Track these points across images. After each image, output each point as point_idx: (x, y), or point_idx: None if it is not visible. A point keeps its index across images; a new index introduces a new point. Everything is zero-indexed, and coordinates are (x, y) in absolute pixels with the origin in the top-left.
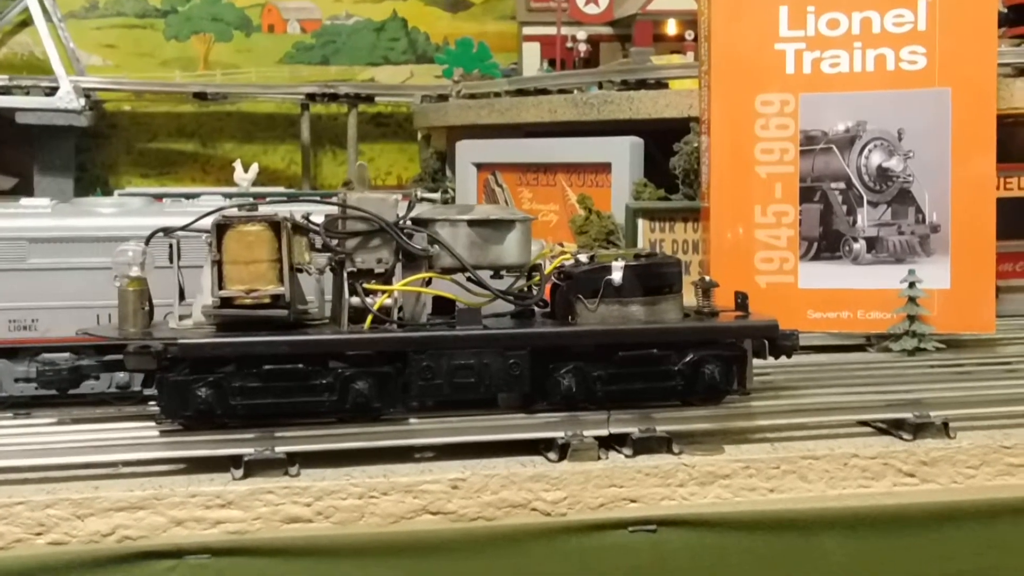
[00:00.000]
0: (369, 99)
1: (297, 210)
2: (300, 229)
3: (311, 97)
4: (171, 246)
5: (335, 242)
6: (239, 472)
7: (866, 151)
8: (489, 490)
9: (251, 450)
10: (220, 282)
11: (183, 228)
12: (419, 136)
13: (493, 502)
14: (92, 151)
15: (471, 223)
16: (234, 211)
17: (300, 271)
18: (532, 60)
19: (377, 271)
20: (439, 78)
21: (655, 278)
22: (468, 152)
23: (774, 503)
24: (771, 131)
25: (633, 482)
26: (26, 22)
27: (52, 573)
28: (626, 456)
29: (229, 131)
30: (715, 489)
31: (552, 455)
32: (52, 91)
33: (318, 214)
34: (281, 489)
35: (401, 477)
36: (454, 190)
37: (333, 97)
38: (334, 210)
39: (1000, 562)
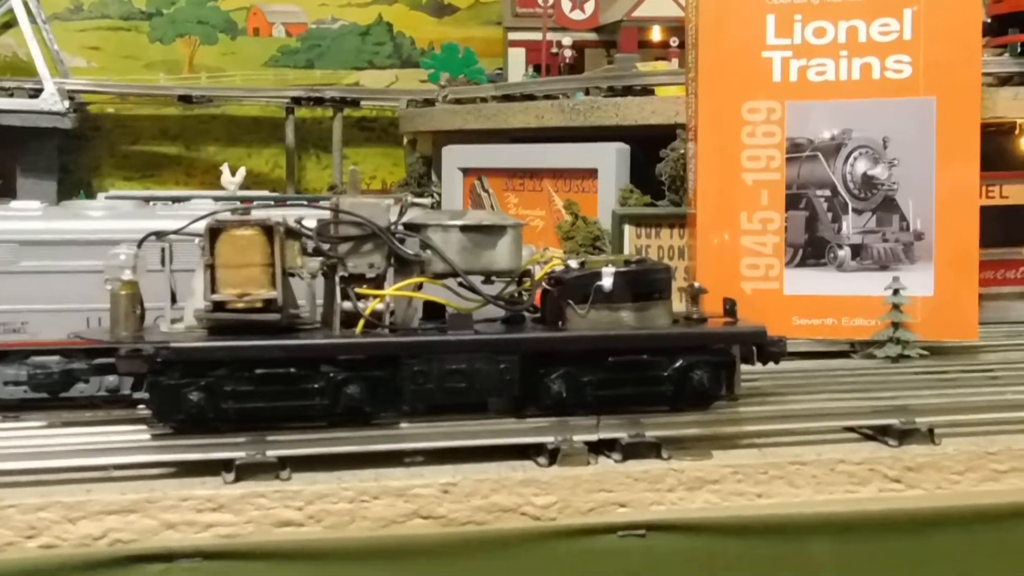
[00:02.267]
0: (354, 103)
1: (289, 214)
2: (293, 233)
3: (296, 101)
4: (163, 250)
5: (327, 246)
6: (231, 476)
7: (851, 159)
8: (480, 494)
9: (243, 454)
10: (213, 286)
11: (176, 232)
12: (405, 141)
13: (484, 506)
14: (75, 153)
15: (463, 228)
16: (227, 215)
17: (292, 275)
18: (517, 66)
19: (369, 276)
20: (424, 83)
21: (645, 284)
22: (454, 157)
23: (762, 508)
24: (758, 138)
25: (622, 487)
26: (10, 23)
27: None
28: (615, 461)
29: (213, 134)
30: (704, 494)
31: (542, 460)
32: (36, 93)
33: (310, 218)
34: (273, 493)
35: (392, 481)
36: (440, 195)
37: (318, 101)
38: (326, 214)
39: (985, 567)
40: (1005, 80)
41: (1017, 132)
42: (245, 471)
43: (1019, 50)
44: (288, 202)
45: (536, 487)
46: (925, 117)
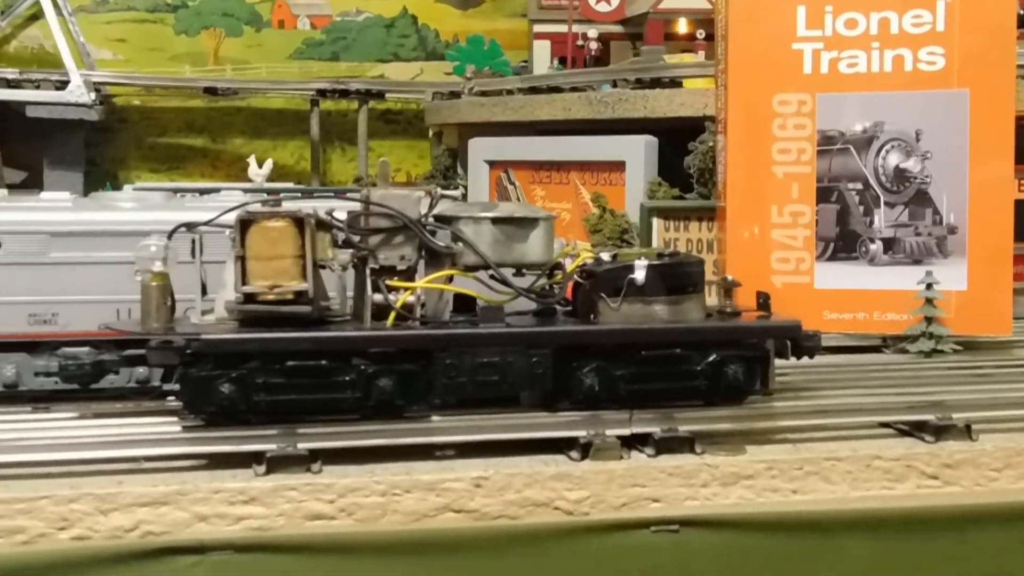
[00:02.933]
0: (380, 95)
1: (320, 206)
2: (323, 225)
3: (321, 93)
4: (193, 241)
5: (358, 238)
6: (262, 468)
7: (883, 152)
8: (512, 489)
9: (274, 446)
10: (243, 278)
11: (207, 223)
12: (430, 133)
13: (516, 501)
14: (102, 145)
15: (495, 221)
16: (257, 206)
17: (323, 267)
18: (543, 58)
19: (400, 268)
20: (449, 75)
21: (678, 277)
22: (480, 149)
23: (797, 504)
24: (788, 131)
25: (655, 482)
26: (36, 16)
27: (75, 568)
28: (648, 456)
29: (239, 127)
30: (738, 490)
31: (574, 454)
32: (62, 85)
33: (341, 210)
34: (304, 486)
35: (424, 475)
36: (466, 187)
37: (344, 93)
38: (356, 206)
39: (1023, 565)
40: None
41: None
42: (276, 464)
43: None
44: (315, 194)
45: (568, 482)
46: (958, 110)
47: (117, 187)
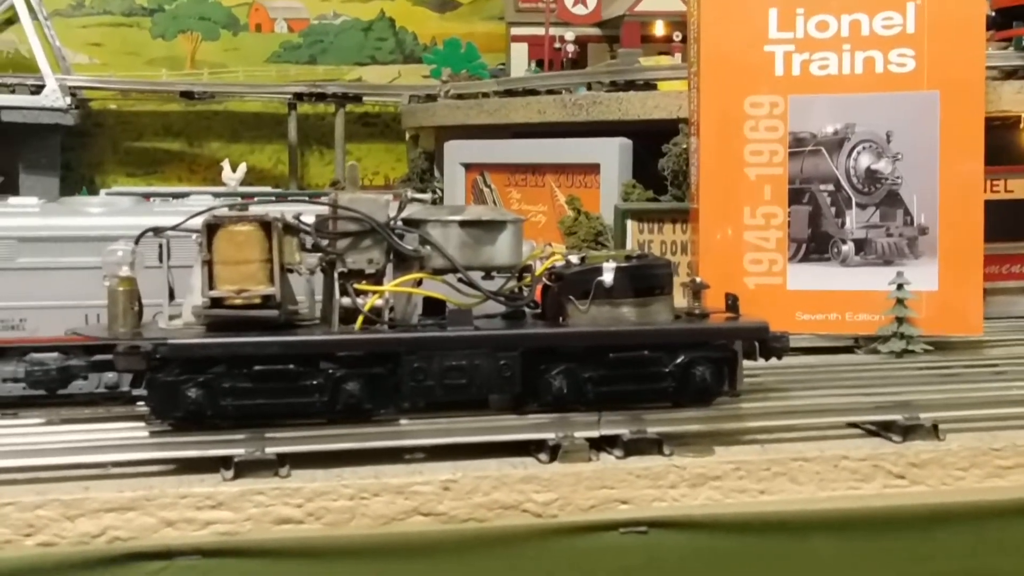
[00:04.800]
0: (357, 99)
1: (288, 210)
2: (291, 229)
3: (298, 97)
4: (161, 246)
5: (326, 242)
6: (229, 473)
7: (855, 153)
8: (480, 491)
9: (241, 451)
10: (210, 282)
11: (173, 228)
12: (407, 136)
13: (484, 503)
14: (78, 150)
15: (462, 224)
16: (224, 211)
17: (291, 271)
18: (520, 61)
19: (368, 272)
20: (427, 78)
21: (646, 279)
22: (456, 152)
23: (765, 505)
24: (760, 133)
25: (624, 483)
26: (11, 20)
27: (41, 574)
28: (617, 457)
29: (216, 130)
30: (706, 491)
31: (543, 456)
32: (38, 89)
33: (308, 214)
34: (272, 490)
35: (392, 478)
36: (442, 190)
37: (321, 97)
38: (324, 210)
39: (989, 564)
40: (1010, 74)
41: (1022, 126)
42: (244, 468)
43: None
44: (288, 198)
45: (537, 484)
46: (929, 111)
47: (93, 192)
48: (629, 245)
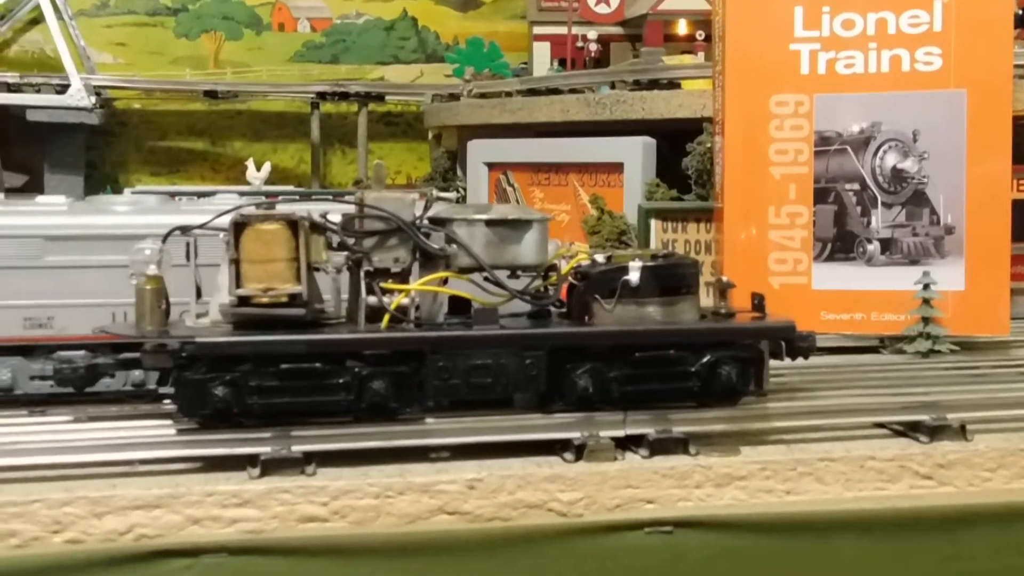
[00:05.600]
0: (379, 98)
1: (314, 209)
2: (317, 228)
3: (321, 96)
4: (188, 244)
5: (352, 241)
6: (256, 471)
7: (881, 152)
8: (505, 491)
9: (268, 449)
10: (237, 281)
11: (200, 226)
12: (430, 135)
13: (509, 503)
14: (102, 149)
15: (489, 223)
16: (252, 210)
17: (317, 270)
18: (542, 60)
19: (394, 270)
20: (449, 77)
21: (672, 278)
22: (480, 151)
23: (791, 505)
24: (785, 132)
25: (649, 483)
26: (37, 20)
27: (68, 571)
28: (642, 457)
29: (239, 130)
30: (731, 491)
31: (568, 456)
32: (63, 89)
33: (335, 213)
34: (297, 488)
35: (417, 477)
36: (465, 189)
37: (343, 96)
38: (351, 209)
39: (1017, 564)
40: None
41: None
42: (270, 466)
43: None
44: (313, 197)
45: (562, 483)
46: (956, 110)
47: (118, 191)
48: (653, 244)
